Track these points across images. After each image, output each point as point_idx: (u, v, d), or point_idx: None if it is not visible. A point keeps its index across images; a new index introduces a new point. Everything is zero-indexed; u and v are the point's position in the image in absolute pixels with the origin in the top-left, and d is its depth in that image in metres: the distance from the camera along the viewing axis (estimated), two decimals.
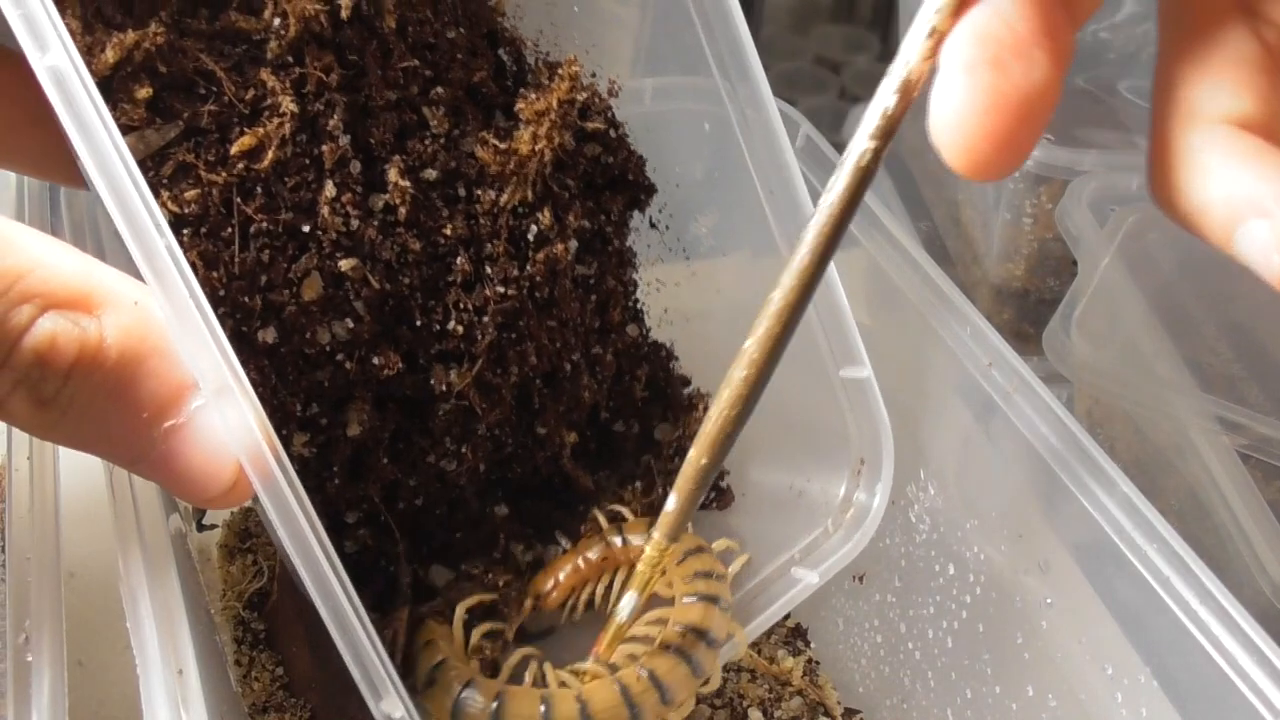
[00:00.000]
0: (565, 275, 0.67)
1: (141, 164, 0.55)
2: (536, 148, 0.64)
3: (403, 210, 0.61)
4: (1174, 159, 0.48)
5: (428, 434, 0.65)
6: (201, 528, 0.90)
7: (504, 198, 0.64)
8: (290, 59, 0.59)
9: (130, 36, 0.56)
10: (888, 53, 2.17)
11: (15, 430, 0.68)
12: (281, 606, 0.86)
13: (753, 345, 0.54)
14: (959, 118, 0.47)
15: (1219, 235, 0.48)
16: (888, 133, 0.50)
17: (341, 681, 0.80)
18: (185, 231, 0.57)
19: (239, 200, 0.58)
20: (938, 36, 0.48)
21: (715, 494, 0.77)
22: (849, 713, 0.90)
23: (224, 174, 0.58)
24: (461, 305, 0.63)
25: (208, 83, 0.58)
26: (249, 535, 0.94)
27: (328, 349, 0.61)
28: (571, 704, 0.61)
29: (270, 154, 0.58)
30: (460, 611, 0.67)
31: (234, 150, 0.58)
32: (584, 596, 0.71)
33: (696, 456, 0.57)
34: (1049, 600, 0.74)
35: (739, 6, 0.71)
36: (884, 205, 0.86)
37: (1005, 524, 0.76)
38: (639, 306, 0.76)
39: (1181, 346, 1.02)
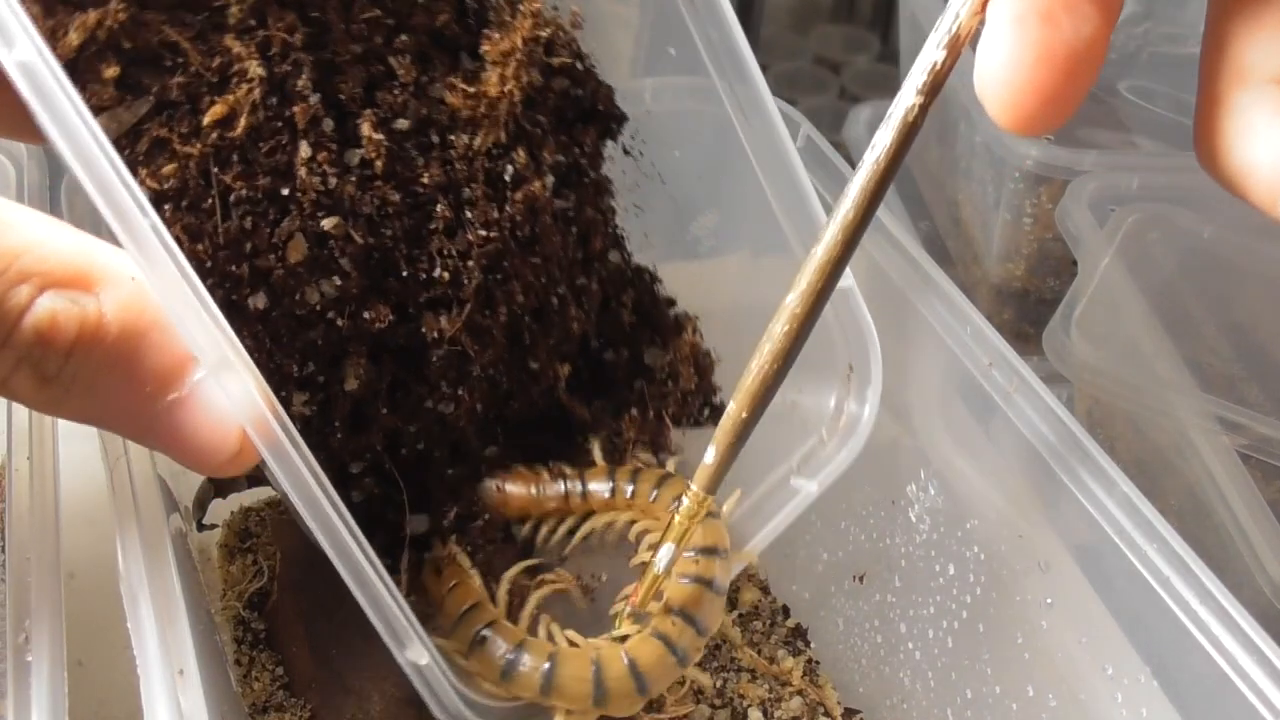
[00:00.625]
0: (545, 211, 0.67)
1: (116, 143, 0.55)
2: (505, 89, 0.64)
3: (379, 163, 0.61)
4: (1221, 118, 0.47)
5: (424, 381, 0.66)
6: (201, 527, 0.89)
7: (477, 141, 0.64)
8: (253, 22, 0.59)
9: (92, 16, 0.56)
10: (888, 53, 2.18)
11: (15, 430, 0.68)
12: (281, 606, 0.86)
13: (795, 300, 0.55)
14: (1006, 72, 0.46)
15: (1263, 198, 0.47)
16: (935, 88, 0.51)
17: (341, 682, 0.80)
18: (166, 207, 0.57)
19: (216, 170, 0.58)
20: None
21: (710, 411, 0.77)
22: (849, 713, 0.90)
23: (199, 145, 0.57)
24: (445, 252, 0.64)
25: (173, 54, 0.58)
26: (249, 535, 0.94)
27: (318, 308, 0.61)
28: (620, 663, 0.62)
29: (243, 120, 0.58)
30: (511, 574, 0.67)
31: (207, 120, 0.58)
32: (544, 530, 0.71)
33: (737, 410, 0.58)
34: (1049, 600, 0.74)
35: (730, 7, 0.71)
36: (884, 205, 0.86)
37: (1005, 524, 0.76)
38: (619, 233, 0.76)
39: (1181, 346, 1.02)
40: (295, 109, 0.59)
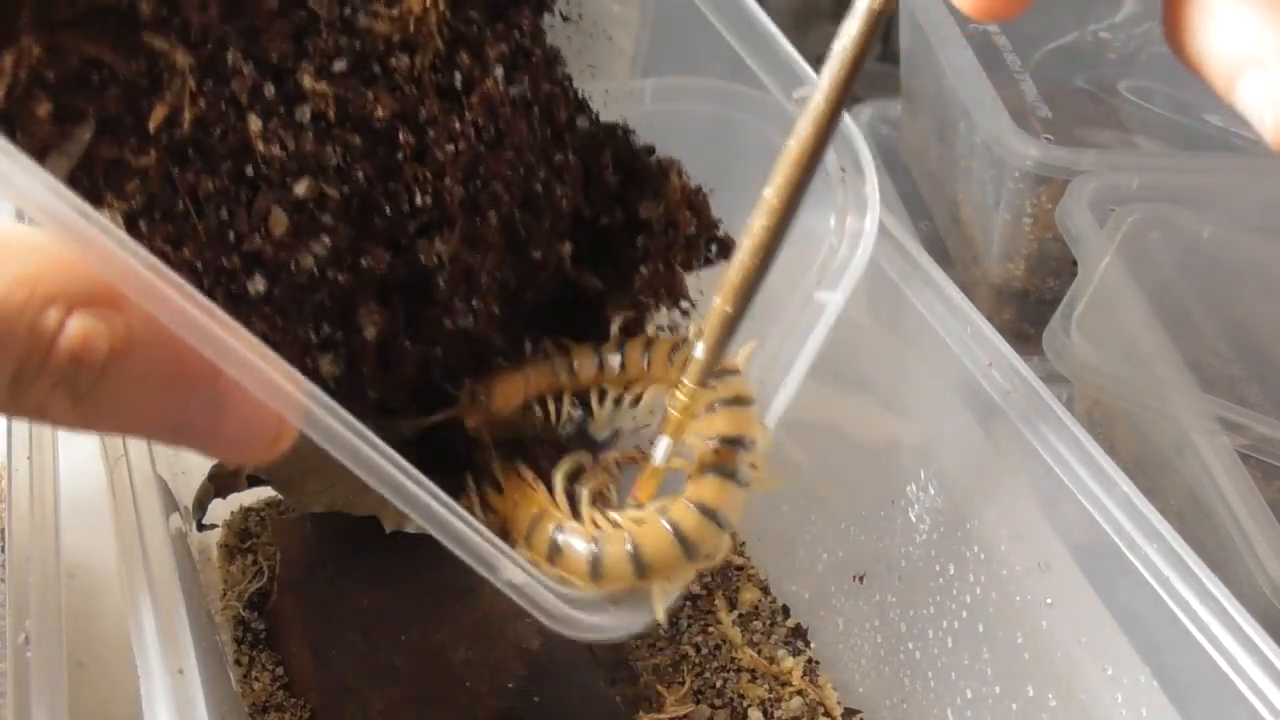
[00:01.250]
0: (503, 104, 0.66)
1: (72, 179, 0.54)
2: (428, 3, 0.63)
3: (331, 111, 0.60)
4: (1184, 3, 0.46)
5: (436, 304, 0.65)
6: (201, 527, 0.89)
7: (418, 60, 0.63)
8: (164, 11, 0.57)
9: (7, 60, 0.54)
10: (888, 53, 2.17)
11: (15, 430, 0.68)
12: (281, 606, 0.86)
13: (772, 193, 0.56)
14: None
15: (1221, 85, 0.46)
16: None
17: (341, 682, 0.80)
18: (142, 223, 0.57)
19: (177, 171, 0.57)
20: None
21: (716, 245, 0.76)
22: (849, 713, 0.90)
23: (153, 153, 0.56)
24: (420, 177, 0.63)
25: (98, 70, 0.56)
26: (249, 535, 0.94)
27: (316, 271, 0.60)
28: (622, 546, 0.61)
29: (187, 115, 0.57)
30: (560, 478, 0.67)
31: (152, 126, 0.56)
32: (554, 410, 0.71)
33: (721, 305, 0.59)
34: (1049, 600, 0.74)
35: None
36: (884, 205, 0.86)
37: (1005, 524, 0.76)
38: (581, 97, 0.74)
39: (1181, 346, 1.02)
40: (233, 85, 0.58)
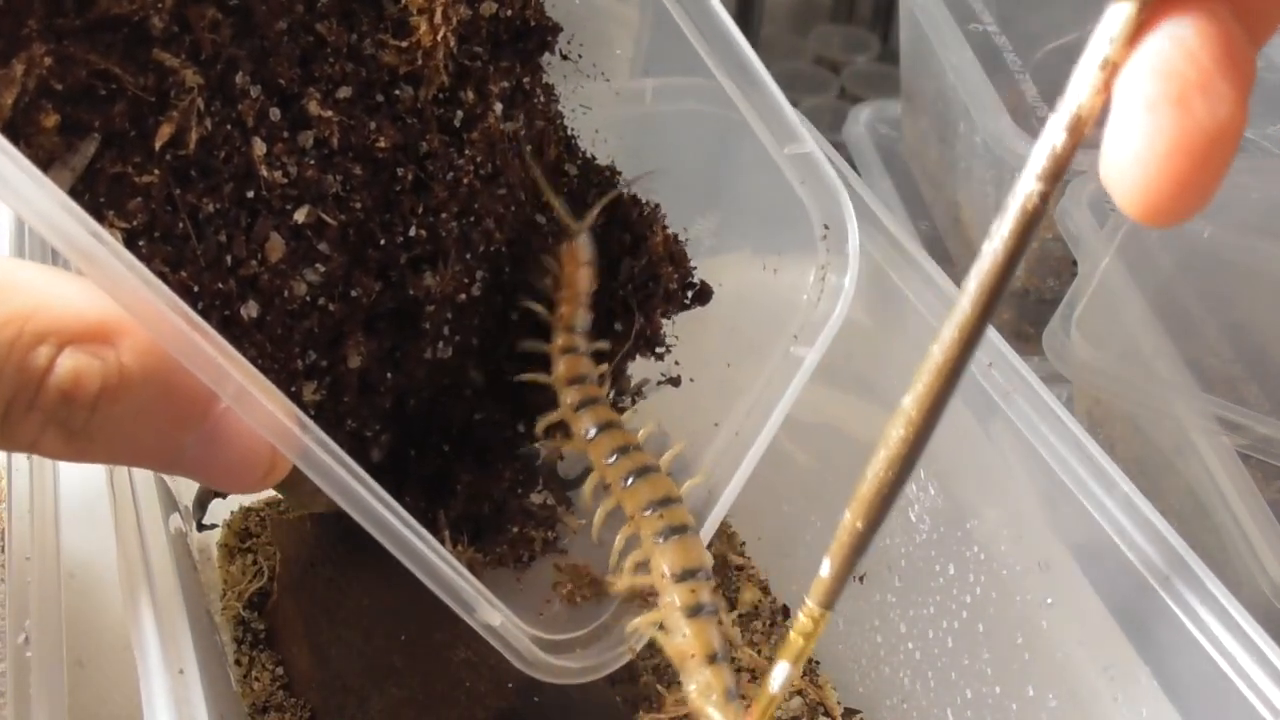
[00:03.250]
0: (501, 141, 0.66)
1: (74, 192, 0.53)
2: (439, 36, 0.63)
3: (334, 139, 0.60)
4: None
5: (419, 335, 0.66)
6: (201, 528, 0.89)
7: (423, 92, 0.63)
8: (176, 28, 0.56)
9: (17, 69, 0.53)
10: (888, 52, 2.18)
11: None
12: (281, 606, 0.86)
13: (911, 403, 0.51)
14: (1139, 161, 0.42)
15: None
16: (1056, 174, 0.46)
17: (341, 682, 0.80)
18: (141, 243, 0.56)
19: (179, 191, 0.57)
20: (1111, 68, 0.44)
21: (694, 293, 0.77)
22: (849, 713, 0.90)
23: (156, 172, 0.56)
24: (416, 210, 0.63)
25: (106, 83, 0.55)
26: (249, 535, 0.94)
27: (308, 299, 0.60)
28: None
29: (193, 134, 0.56)
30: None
31: (158, 144, 0.56)
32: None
33: (852, 521, 0.54)
34: (1049, 600, 0.74)
35: (725, 12, 0.71)
36: (884, 205, 0.86)
37: (1005, 524, 0.76)
38: (571, 135, 0.75)
39: (1181, 346, 1.02)
40: (241, 107, 0.58)
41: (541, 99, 0.71)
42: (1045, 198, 0.46)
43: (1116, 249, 1.03)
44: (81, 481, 0.71)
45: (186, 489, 0.86)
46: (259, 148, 0.58)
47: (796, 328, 0.74)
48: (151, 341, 0.49)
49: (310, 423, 0.52)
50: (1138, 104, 0.42)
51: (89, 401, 0.48)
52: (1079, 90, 0.45)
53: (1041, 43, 1.38)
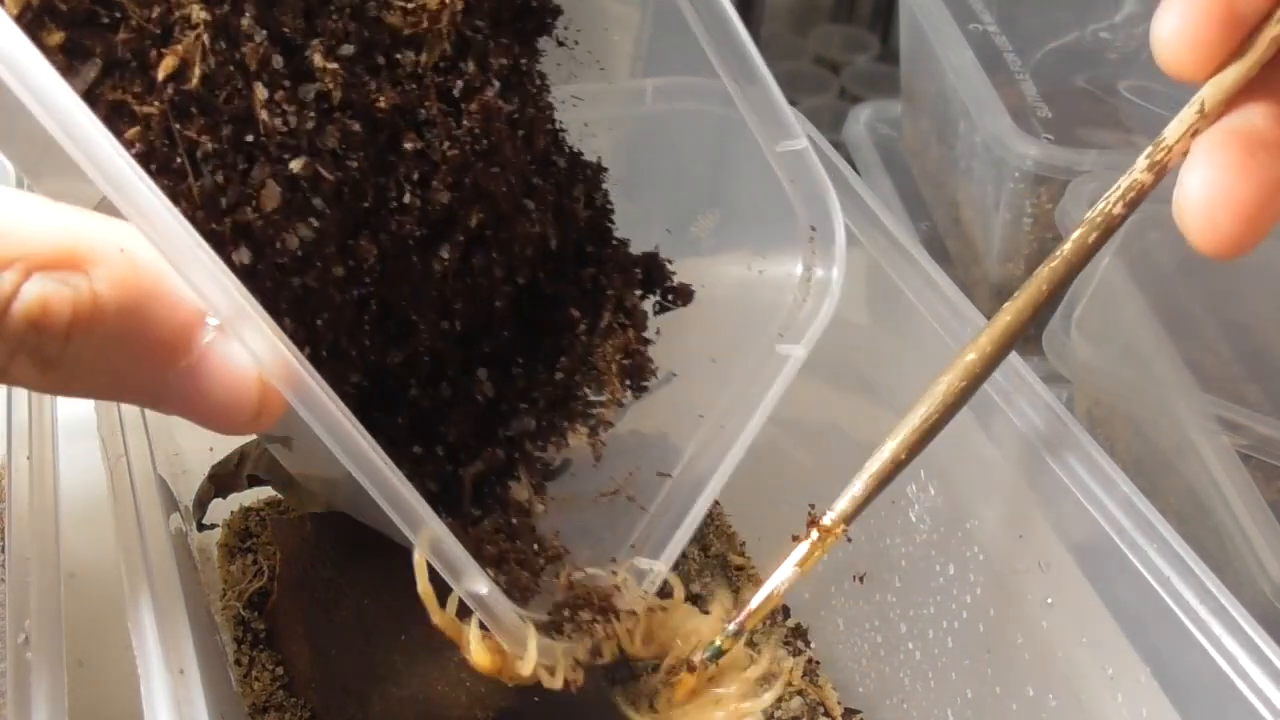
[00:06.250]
0: (497, 118, 0.65)
1: None
2: (446, 2, 0.62)
3: (336, 94, 0.59)
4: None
5: (397, 311, 0.65)
6: (201, 527, 0.90)
7: (424, 57, 0.62)
8: None
9: None
10: (888, 52, 2.18)
11: (15, 429, 0.68)
12: (281, 606, 0.86)
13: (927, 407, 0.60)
14: (1212, 208, 0.50)
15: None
16: (1135, 203, 0.56)
17: (341, 682, 0.80)
18: None
19: (178, 126, 0.55)
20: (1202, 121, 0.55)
21: (673, 294, 0.77)
22: (849, 713, 0.90)
23: (156, 103, 0.54)
24: (411, 176, 0.62)
25: (108, 9, 0.54)
26: (249, 535, 0.94)
27: (299, 253, 0.59)
28: None
29: (196, 70, 0.55)
30: None
31: (160, 75, 0.54)
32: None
33: (896, 452, 0.61)
34: (1049, 600, 0.74)
35: (734, 11, 0.71)
36: (884, 205, 0.86)
37: (1005, 524, 0.76)
38: (559, 127, 0.74)
39: (1181, 346, 1.02)
40: (244, 50, 0.56)
41: (536, 84, 0.70)
42: (1123, 219, 0.56)
43: (1116, 249, 1.03)
44: (82, 481, 0.71)
45: (186, 489, 0.86)
46: (261, 92, 0.57)
47: (782, 325, 0.74)
48: (126, 269, 0.47)
49: (303, 357, 0.51)
50: (1213, 149, 0.51)
51: (60, 330, 0.46)
52: (1169, 137, 0.55)
53: (1041, 43, 1.38)
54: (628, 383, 0.75)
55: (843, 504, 0.62)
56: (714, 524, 1.00)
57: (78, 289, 0.46)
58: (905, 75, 1.49)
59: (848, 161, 0.89)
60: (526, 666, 0.61)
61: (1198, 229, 0.50)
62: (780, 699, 0.90)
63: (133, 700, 0.54)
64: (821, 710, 0.90)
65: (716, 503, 1.01)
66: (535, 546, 0.69)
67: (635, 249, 0.76)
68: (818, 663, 0.94)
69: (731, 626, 0.64)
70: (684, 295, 0.77)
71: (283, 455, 0.76)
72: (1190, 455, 0.92)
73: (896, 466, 0.61)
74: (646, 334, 0.76)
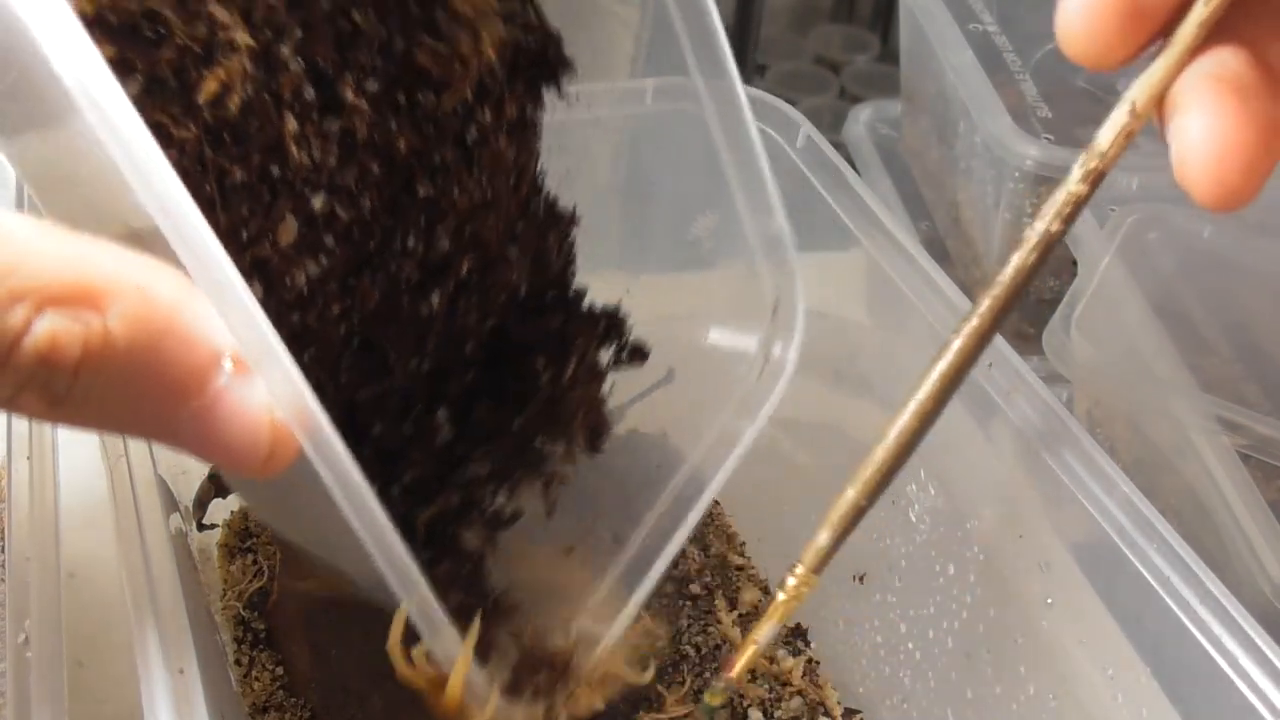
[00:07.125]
0: (503, 169, 0.65)
1: None
2: (480, 47, 0.61)
3: (361, 131, 0.57)
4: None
5: (378, 349, 0.64)
6: (201, 527, 0.90)
7: (444, 101, 0.61)
8: None
9: None
10: (888, 52, 2.18)
11: (15, 431, 0.68)
12: (281, 606, 0.86)
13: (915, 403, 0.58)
14: (1212, 154, 0.48)
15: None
16: (1071, 218, 0.54)
17: (341, 682, 0.80)
18: None
19: (211, 153, 0.53)
20: (1137, 120, 0.54)
21: (629, 352, 0.75)
22: (849, 713, 0.90)
23: (193, 127, 0.53)
24: (419, 223, 0.61)
25: (154, 25, 0.52)
26: (249, 535, 0.94)
27: (304, 291, 0.58)
28: None
29: (236, 97, 0.53)
30: None
31: (201, 98, 0.53)
32: None
33: (856, 498, 0.59)
34: (1049, 600, 0.74)
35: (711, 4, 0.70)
36: (884, 205, 0.86)
37: (1005, 524, 0.76)
38: (539, 172, 0.73)
39: (1181, 346, 1.02)
40: (280, 79, 0.55)
41: (534, 136, 0.69)
42: (1060, 235, 0.54)
43: (1116, 249, 1.03)
44: (82, 481, 0.71)
45: (186, 489, 0.86)
46: (291, 124, 0.55)
47: (737, 403, 0.72)
48: (140, 306, 0.46)
49: (320, 404, 0.49)
50: (1204, 104, 0.48)
51: (69, 367, 0.45)
52: (1101, 145, 0.53)
53: (1041, 43, 1.38)
54: (585, 440, 0.73)
55: (808, 556, 0.61)
56: (714, 524, 1.01)
57: (89, 325, 0.45)
58: (905, 75, 1.49)
59: (848, 161, 0.89)
60: None
61: (1208, 179, 0.48)
62: (780, 699, 0.90)
63: (133, 700, 0.54)
64: (821, 710, 0.90)
65: (716, 502, 1.01)
66: (491, 601, 0.69)
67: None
68: (818, 663, 0.94)
69: (720, 684, 0.64)
70: (639, 355, 0.76)
71: (245, 493, 0.75)
72: (1190, 455, 0.92)
73: (859, 512, 0.59)
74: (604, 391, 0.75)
